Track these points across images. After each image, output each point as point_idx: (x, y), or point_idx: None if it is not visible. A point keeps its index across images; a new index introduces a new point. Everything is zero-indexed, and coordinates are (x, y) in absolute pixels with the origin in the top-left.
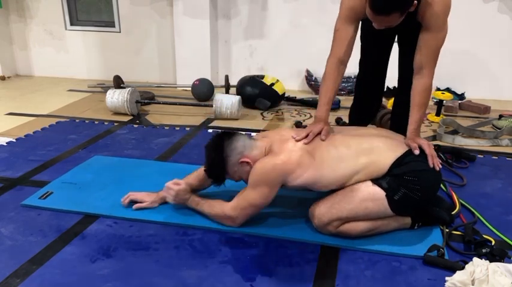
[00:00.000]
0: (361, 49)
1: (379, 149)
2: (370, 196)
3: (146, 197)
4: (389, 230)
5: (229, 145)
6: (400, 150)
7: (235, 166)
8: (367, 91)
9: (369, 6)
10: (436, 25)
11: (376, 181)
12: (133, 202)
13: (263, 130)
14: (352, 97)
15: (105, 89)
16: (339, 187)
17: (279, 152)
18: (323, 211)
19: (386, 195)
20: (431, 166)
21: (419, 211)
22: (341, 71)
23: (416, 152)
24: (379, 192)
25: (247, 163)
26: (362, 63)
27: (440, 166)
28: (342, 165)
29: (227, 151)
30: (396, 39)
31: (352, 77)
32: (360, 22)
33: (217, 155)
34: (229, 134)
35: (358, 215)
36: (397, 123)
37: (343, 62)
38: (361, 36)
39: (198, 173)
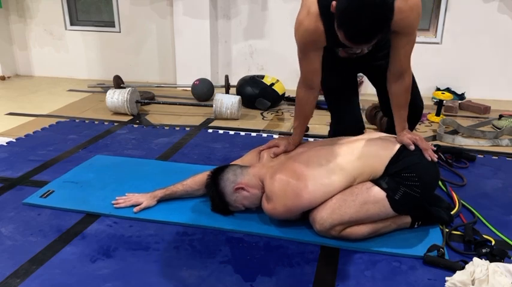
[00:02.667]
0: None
1: (372, 151)
2: (371, 199)
3: (141, 199)
4: (390, 231)
5: (222, 177)
6: (394, 148)
7: (232, 195)
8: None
9: (347, 39)
10: (413, 30)
11: (375, 181)
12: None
13: (263, 130)
14: None
15: (105, 89)
16: None
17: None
18: (324, 216)
19: (386, 195)
20: (429, 159)
21: (419, 210)
22: (311, 95)
23: (412, 147)
24: (379, 193)
25: (242, 188)
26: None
27: (436, 156)
28: (335, 177)
29: (221, 184)
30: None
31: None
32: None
33: (214, 190)
34: (221, 168)
35: (360, 219)
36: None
37: (312, 88)
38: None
39: (193, 178)
